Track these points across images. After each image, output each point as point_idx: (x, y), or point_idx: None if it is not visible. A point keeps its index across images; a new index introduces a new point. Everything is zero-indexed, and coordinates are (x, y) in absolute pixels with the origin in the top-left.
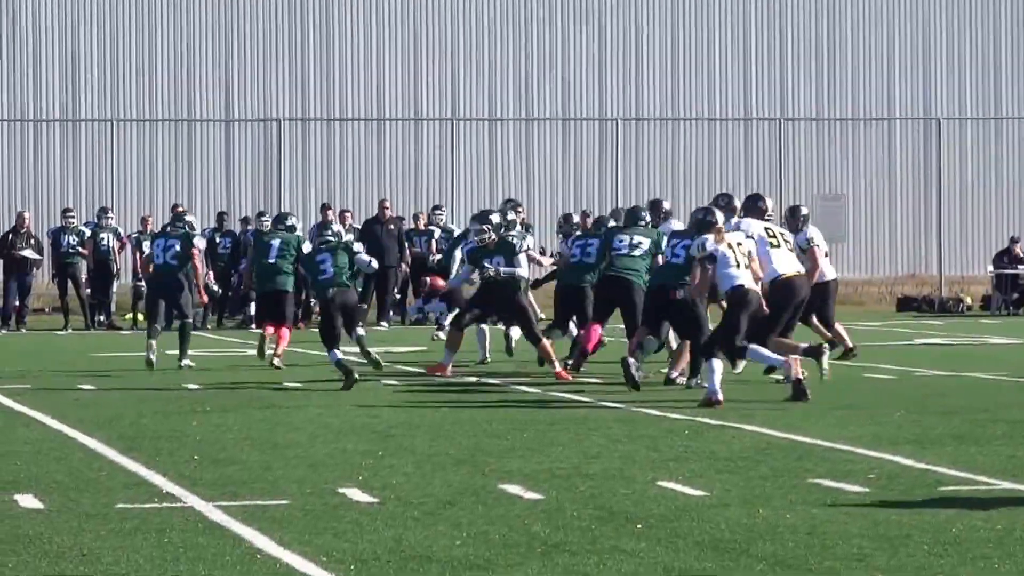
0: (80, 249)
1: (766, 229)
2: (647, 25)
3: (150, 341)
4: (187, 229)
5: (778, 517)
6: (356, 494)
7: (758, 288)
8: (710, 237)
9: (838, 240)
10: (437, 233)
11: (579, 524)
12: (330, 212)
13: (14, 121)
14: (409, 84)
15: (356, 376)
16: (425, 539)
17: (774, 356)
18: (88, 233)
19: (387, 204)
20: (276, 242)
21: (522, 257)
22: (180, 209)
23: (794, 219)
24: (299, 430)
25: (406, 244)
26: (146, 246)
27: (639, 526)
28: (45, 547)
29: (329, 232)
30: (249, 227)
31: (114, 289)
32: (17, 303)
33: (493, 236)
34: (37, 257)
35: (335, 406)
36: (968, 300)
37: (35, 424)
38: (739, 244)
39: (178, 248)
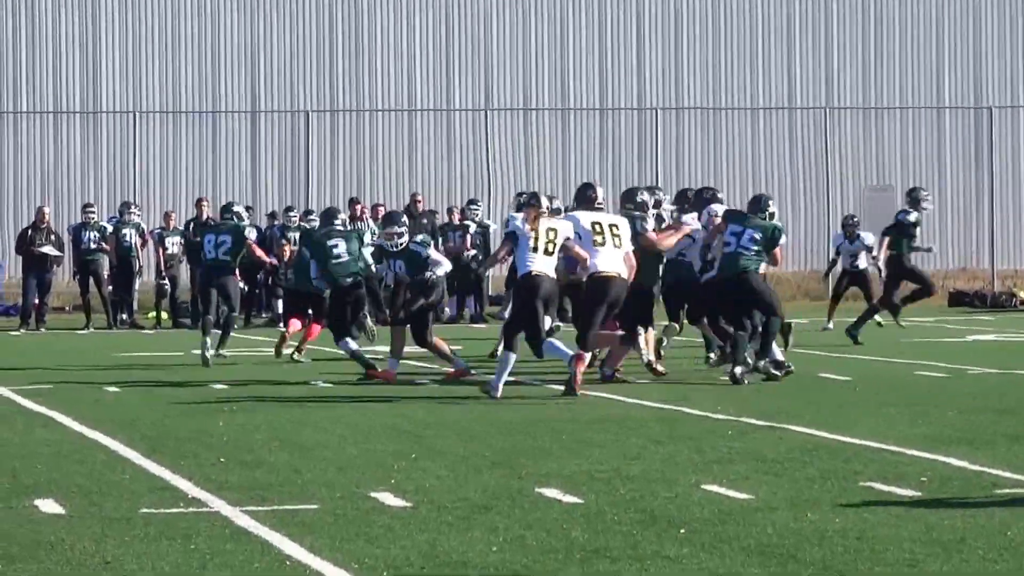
0: (103, 244)
1: (593, 223)
2: (687, 11)
3: (204, 339)
4: (235, 221)
5: (827, 521)
6: (388, 498)
7: (553, 276)
8: (520, 216)
9: None
10: (472, 228)
11: (620, 529)
12: (359, 207)
13: (33, 113)
14: (441, 73)
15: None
16: (460, 545)
17: (567, 350)
18: (110, 229)
19: (419, 197)
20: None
21: (434, 256)
22: (206, 203)
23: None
24: (328, 431)
25: (439, 239)
26: (169, 242)
27: (682, 531)
28: (67, 554)
29: (337, 221)
30: (276, 222)
31: (136, 287)
32: (37, 301)
33: (405, 239)
34: (57, 254)
35: (365, 406)
36: (1022, 295)
37: (55, 426)
38: (551, 230)
39: (230, 244)
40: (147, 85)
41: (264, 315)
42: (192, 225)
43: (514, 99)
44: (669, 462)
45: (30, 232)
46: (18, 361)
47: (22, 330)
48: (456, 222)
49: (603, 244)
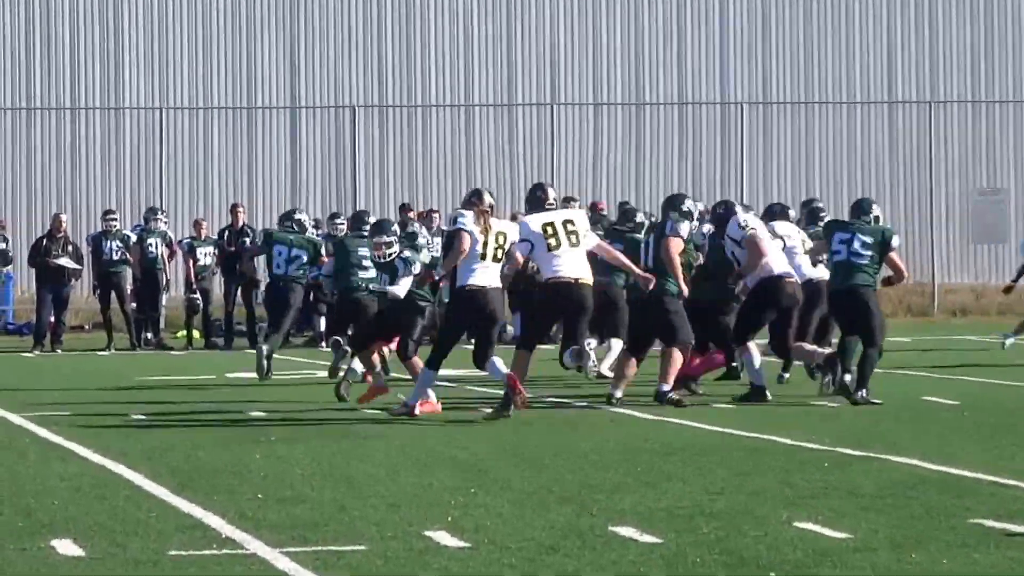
0: (126, 255)
1: (545, 226)
2: None
3: (263, 348)
4: (298, 231)
5: (933, 563)
6: (444, 538)
7: (499, 286)
8: (468, 213)
9: (998, 240)
10: None
11: (703, 571)
12: (411, 213)
13: (49, 109)
14: (502, 64)
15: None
16: None
17: (423, 379)
18: (134, 238)
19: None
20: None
21: (407, 278)
22: (241, 209)
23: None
24: (378, 463)
25: None
26: (200, 253)
27: (772, 574)
28: None
29: (366, 227)
30: (319, 231)
31: (163, 303)
32: (52, 319)
33: (395, 250)
34: (75, 266)
35: (418, 435)
36: None
37: (73, 458)
38: (500, 234)
39: (304, 259)
40: (175, 78)
41: (305, 334)
42: (227, 233)
43: (583, 92)
44: (757, 497)
45: (45, 242)
46: (32, 385)
47: (36, 351)
48: None
49: (558, 246)
